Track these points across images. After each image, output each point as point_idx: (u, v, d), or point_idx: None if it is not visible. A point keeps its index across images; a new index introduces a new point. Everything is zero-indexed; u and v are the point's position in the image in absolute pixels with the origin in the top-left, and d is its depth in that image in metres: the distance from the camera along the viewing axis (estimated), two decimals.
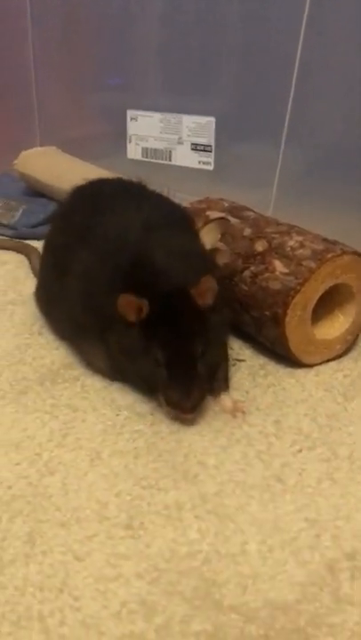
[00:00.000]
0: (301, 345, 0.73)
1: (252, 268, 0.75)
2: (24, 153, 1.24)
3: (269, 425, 0.65)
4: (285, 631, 0.43)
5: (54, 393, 0.70)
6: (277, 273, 0.72)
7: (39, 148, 1.27)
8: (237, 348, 0.80)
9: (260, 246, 0.75)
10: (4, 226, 1.21)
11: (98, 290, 0.67)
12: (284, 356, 0.76)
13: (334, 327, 0.76)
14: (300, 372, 0.75)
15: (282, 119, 0.98)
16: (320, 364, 0.76)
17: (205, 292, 0.63)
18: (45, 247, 0.84)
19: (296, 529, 0.52)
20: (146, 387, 0.67)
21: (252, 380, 0.73)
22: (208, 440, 0.63)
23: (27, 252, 1.06)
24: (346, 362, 0.77)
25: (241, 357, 0.78)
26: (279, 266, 0.72)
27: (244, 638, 0.43)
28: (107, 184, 0.84)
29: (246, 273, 0.75)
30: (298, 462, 0.60)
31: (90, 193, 0.81)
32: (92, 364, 0.74)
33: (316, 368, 0.75)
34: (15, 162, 1.24)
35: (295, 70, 0.95)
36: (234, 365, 0.76)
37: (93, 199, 0.79)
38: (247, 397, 0.70)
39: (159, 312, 0.62)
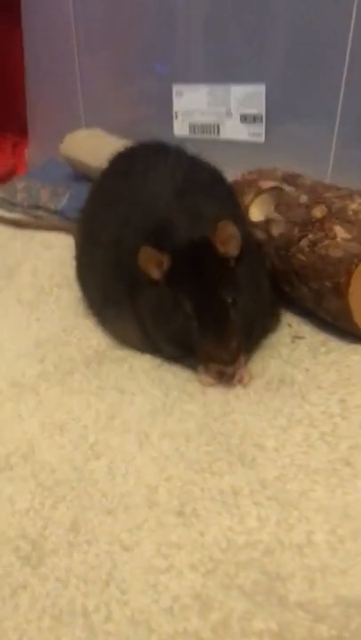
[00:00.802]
0: None
1: (311, 236, 0.68)
2: (69, 136, 1.21)
3: (334, 404, 0.59)
4: None
5: (101, 374, 0.66)
6: (339, 239, 0.65)
7: (84, 130, 1.24)
8: (296, 325, 0.74)
9: (318, 212, 0.69)
10: (52, 212, 1.18)
11: (125, 256, 0.64)
12: (347, 331, 0.69)
13: None
14: None
15: (338, 86, 0.91)
16: None
17: (226, 238, 0.60)
18: (80, 217, 0.81)
19: None
20: (182, 351, 0.63)
21: (313, 358, 0.67)
22: (266, 420, 0.57)
23: (70, 230, 1.03)
24: None
25: (300, 335, 0.72)
26: (341, 231, 0.66)
27: (314, 639, 0.38)
28: (143, 150, 0.80)
29: (304, 242, 0.69)
30: None
31: (125, 160, 0.79)
32: (124, 339, 0.71)
33: None
34: (61, 145, 1.21)
35: (350, 34, 0.87)
36: (293, 342, 0.70)
37: (127, 166, 0.77)
38: (307, 376, 0.64)
39: (182, 265, 0.60)
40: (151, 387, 0.64)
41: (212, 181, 0.74)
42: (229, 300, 0.59)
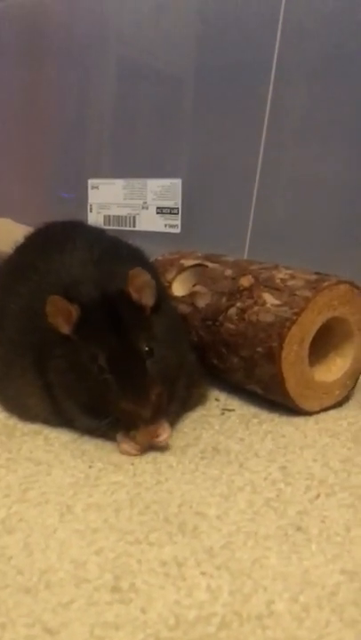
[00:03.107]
0: (299, 387, 0.64)
1: (239, 305, 0.67)
2: None
3: (275, 471, 0.54)
4: None
5: (11, 447, 0.58)
6: (269, 305, 0.64)
7: None
8: (223, 399, 0.71)
9: (245, 282, 0.68)
10: None
11: (34, 321, 0.60)
12: (277, 403, 0.67)
13: (332, 371, 0.68)
14: (298, 420, 0.65)
15: (252, 176, 0.95)
16: (318, 412, 0.67)
17: (140, 286, 0.57)
18: None
19: (332, 582, 0.40)
20: (97, 417, 0.57)
21: (246, 429, 0.63)
22: (204, 489, 0.51)
23: None
24: (347, 410, 0.68)
25: (229, 407, 0.68)
26: (270, 298, 0.65)
27: None
28: (61, 226, 0.77)
29: (232, 310, 0.67)
30: (317, 509, 0.49)
31: (41, 235, 0.77)
32: (28, 414, 0.64)
33: (314, 416, 0.66)
34: None
35: (264, 129, 0.94)
36: (223, 414, 0.66)
37: (43, 240, 0.74)
38: (242, 445, 0.59)
39: (94, 315, 0.56)
40: (71, 458, 0.56)
41: (131, 255, 0.73)
42: (145, 349, 0.55)
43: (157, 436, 0.56)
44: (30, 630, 0.36)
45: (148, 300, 0.58)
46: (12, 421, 0.64)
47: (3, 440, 0.59)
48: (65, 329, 0.56)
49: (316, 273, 0.67)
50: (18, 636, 0.35)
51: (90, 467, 0.55)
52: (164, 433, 0.56)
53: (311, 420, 0.65)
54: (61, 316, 0.56)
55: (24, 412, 0.64)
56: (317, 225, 0.94)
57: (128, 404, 0.53)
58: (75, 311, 0.56)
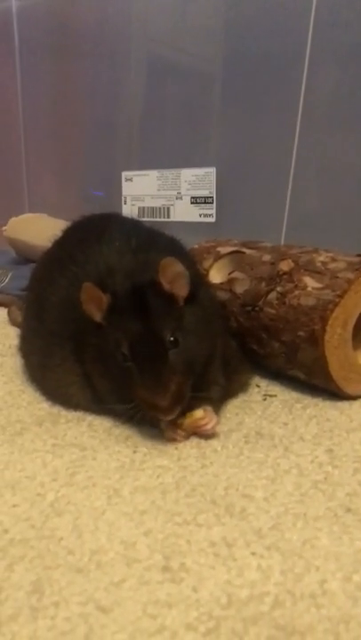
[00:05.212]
0: (343, 370, 0.63)
1: (279, 289, 0.66)
2: (13, 219, 1.19)
3: (321, 454, 0.54)
4: None
5: (56, 433, 0.59)
6: (310, 289, 0.63)
7: (29, 214, 1.22)
8: (264, 386, 0.70)
9: (285, 266, 0.67)
10: None
11: (73, 311, 0.60)
12: (319, 388, 0.66)
13: None
14: (342, 404, 0.64)
15: (287, 163, 0.94)
16: None
17: (173, 276, 0.56)
18: (28, 287, 0.78)
19: None
20: (126, 401, 0.56)
21: (289, 413, 0.62)
22: (250, 472, 0.51)
23: (5, 302, 0.99)
24: None
25: (271, 393, 0.67)
26: (311, 282, 0.64)
27: None
28: (99, 219, 0.77)
29: (272, 295, 0.67)
30: None
31: (79, 228, 0.77)
32: (69, 402, 0.64)
33: (359, 400, 0.65)
34: (4, 228, 1.19)
35: (299, 115, 0.93)
36: (265, 400, 0.66)
37: (82, 233, 0.74)
38: (286, 429, 0.59)
39: (124, 304, 0.56)
40: (115, 444, 0.56)
41: (168, 245, 0.72)
42: (169, 338, 0.54)
43: (205, 424, 0.56)
44: (84, 608, 0.36)
45: (180, 290, 0.57)
46: (56, 409, 0.64)
47: (48, 427, 0.60)
48: (97, 316, 0.57)
49: (358, 255, 0.66)
50: (72, 613, 0.36)
51: (134, 451, 0.55)
52: (211, 421, 0.56)
53: (356, 403, 0.64)
54: (93, 303, 0.56)
55: (66, 401, 0.64)
56: (355, 211, 0.93)
57: (146, 393, 0.53)
58: (105, 298, 0.56)
